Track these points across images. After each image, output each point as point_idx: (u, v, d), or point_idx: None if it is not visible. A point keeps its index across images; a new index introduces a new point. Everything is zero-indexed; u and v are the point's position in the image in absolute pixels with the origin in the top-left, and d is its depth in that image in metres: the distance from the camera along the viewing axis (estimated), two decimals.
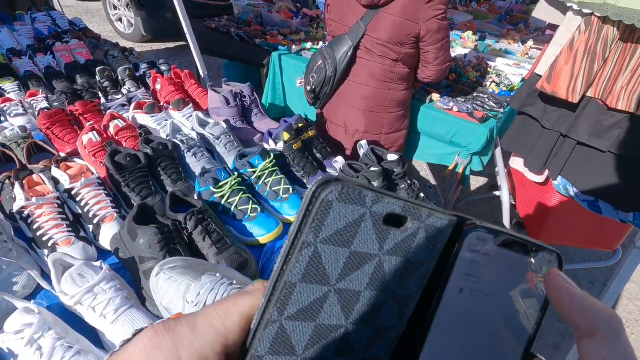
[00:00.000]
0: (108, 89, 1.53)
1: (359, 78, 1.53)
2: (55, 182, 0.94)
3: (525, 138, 1.43)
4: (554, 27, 1.33)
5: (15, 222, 0.88)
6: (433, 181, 2.59)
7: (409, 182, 1.08)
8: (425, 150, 1.80)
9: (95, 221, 0.89)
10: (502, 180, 1.62)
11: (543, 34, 2.57)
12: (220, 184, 0.96)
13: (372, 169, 1.02)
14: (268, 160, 1.04)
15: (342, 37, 1.49)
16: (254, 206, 0.96)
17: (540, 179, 1.46)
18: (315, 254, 0.18)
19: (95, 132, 1.10)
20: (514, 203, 1.72)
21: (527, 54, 2.19)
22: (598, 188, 1.26)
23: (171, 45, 4.40)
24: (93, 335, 0.68)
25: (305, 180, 1.15)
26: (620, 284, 1.31)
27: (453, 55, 2.07)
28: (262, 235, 0.94)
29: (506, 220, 1.64)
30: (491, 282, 0.21)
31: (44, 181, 0.92)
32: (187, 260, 0.74)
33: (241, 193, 0.97)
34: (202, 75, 1.85)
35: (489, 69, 2.00)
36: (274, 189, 1.03)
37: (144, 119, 1.29)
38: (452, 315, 0.20)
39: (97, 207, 0.90)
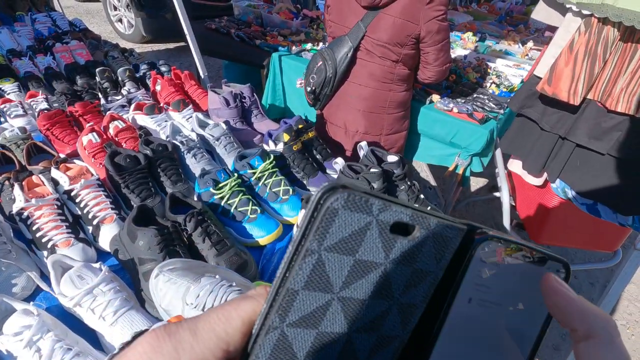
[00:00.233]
0: (108, 89, 1.53)
1: (358, 79, 1.53)
2: (55, 183, 0.94)
3: (523, 140, 1.43)
4: (552, 29, 1.32)
5: (14, 224, 0.88)
6: (433, 182, 2.59)
7: (408, 183, 1.08)
8: (425, 151, 1.80)
9: (94, 222, 0.89)
10: (502, 182, 1.62)
11: (543, 35, 2.57)
12: (220, 185, 0.96)
13: (372, 170, 1.02)
14: (268, 162, 1.04)
15: (342, 38, 1.49)
16: (253, 207, 0.96)
17: (538, 181, 1.45)
18: (319, 261, 0.17)
19: (95, 133, 1.10)
20: (514, 204, 1.72)
21: (527, 55, 2.19)
22: (597, 191, 1.26)
23: (171, 46, 4.41)
24: (92, 337, 0.68)
25: (305, 182, 1.15)
26: (621, 286, 1.31)
27: (453, 56, 2.07)
28: (262, 236, 0.94)
29: (506, 221, 1.64)
30: (499, 292, 0.20)
31: (43, 182, 0.92)
32: (187, 262, 0.74)
33: (241, 194, 0.97)
34: (202, 76, 1.85)
35: (489, 70, 2.00)
36: (273, 190, 1.03)
37: (143, 120, 1.29)
38: (459, 325, 0.20)
39: (97, 209, 0.90)
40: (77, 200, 0.91)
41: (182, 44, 4.12)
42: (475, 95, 1.74)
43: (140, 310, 0.71)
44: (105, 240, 0.87)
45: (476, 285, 0.20)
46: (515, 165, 1.54)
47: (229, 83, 1.51)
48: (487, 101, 1.68)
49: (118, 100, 1.42)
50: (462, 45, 2.30)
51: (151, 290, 0.71)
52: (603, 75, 1.14)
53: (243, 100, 1.40)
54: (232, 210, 0.95)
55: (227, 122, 1.29)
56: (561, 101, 1.20)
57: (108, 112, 1.25)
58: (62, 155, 1.08)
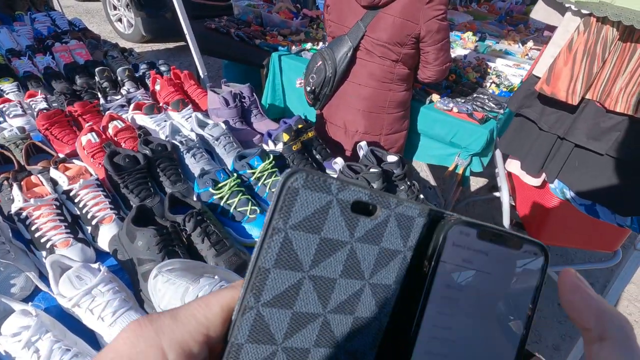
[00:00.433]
0: (107, 89, 1.52)
1: (358, 79, 1.53)
2: (54, 183, 0.94)
3: (522, 140, 1.42)
4: (551, 28, 1.32)
5: (13, 224, 0.87)
6: (433, 182, 2.59)
7: (408, 183, 1.08)
8: (425, 151, 1.80)
9: (93, 222, 0.88)
10: (502, 181, 1.62)
11: (542, 34, 2.57)
12: (220, 185, 0.96)
13: (371, 170, 1.02)
14: (267, 161, 1.04)
15: (341, 37, 1.49)
16: (253, 207, 0.96)
17: (536, 182, 1.45)
18: (286, 239, 0.18)
19: (94, 133, 1.10)
20: (513, 204, 1.72)
21: (527, 54, 2.19)
22: (595, 192, 1.26)
23: (171, 45, 4.40)
24: (91, 338, 0.68)
25: None
26: (621, 286, 1.31)
27: (453, 55, 2.07)
28: None
29: (506, 221, 1.63)
30: (480, 278, 0.20)
31: (42, 182, 0.92)
32: (186, 262, 0.74)
33: (240, 194, 0.97)
34: (202, 76, 1.85)
35: (488, 70, 2.00)
36: (273, 190, 1.03)
37: (143, 119, 1.29)
38: (443, 311, 0.20)
39: (96, 209, 0.90)
40: (76, 200, 0.91)
41: (182, 43, 4.12)
42: (475, 95, 1.73)
43: (139, 310, 0.71)
44: (104, 241, 0.87)
45: (456, 270, 0.20)
46: (513, 166, 1.53)
47: (228, 83, 1.51)
48: (487, 101, 1.68)
49: (117, 100, 1.42)
50: (462, 45, 2.30)
51: (150, 291, 0.71)
52: (602, 75, 1.14)
53: (242, 100, 1.40)
54: (231, 210, 0.95)
55: (226, 122, 1.29)
56: (560, 101, 1.20)
57: (107, 112, 1.25)
58: (61, 155, 1.08)
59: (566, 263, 2.12)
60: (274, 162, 1.06)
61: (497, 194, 1.71)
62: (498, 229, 0.20)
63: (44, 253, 0.82)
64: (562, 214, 1.42)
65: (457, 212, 0.22)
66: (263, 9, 2.59)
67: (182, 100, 1.38)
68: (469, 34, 2.38)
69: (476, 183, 2.67)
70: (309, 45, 2.11)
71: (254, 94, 1.43)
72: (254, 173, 1.03)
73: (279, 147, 1.18)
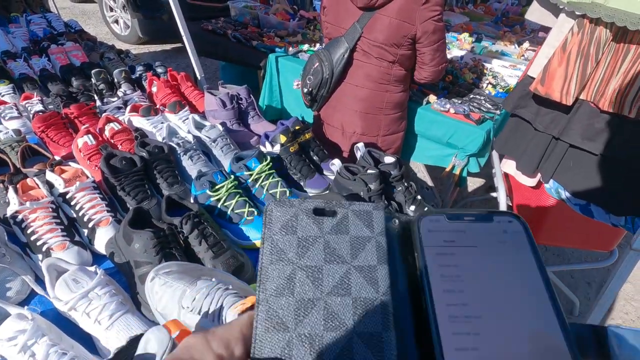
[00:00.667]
0: (103, 91, 1.52)
1: (355, 80, 1.54)
2: (50, 186, 0.94)
3: (517, 141, 1.43)
4: (546, 29, 1.33)
5: (9, 227, 0.87)
6: (430, 183, 2.60)
7: (405, 184, 1.08)
8: (422, 152, 1.80)
9: (90, 225, 0.88)
10: (499, 182, 1.62)
11: (538, 35, 2.58)
12: (217, 187, 0.96)
13: (369, 171, 1.02)
14: (265, 163, 1.04)
15: (338, 39, 1.50)
16: (250, 209, 0.96)
17: (531, 182, 1.46)
18: (273, 242, 0.25)
19: (90, 135, 1.09)
20: (510, 204, 1.72)
21: (523, 55, 2.20)
22: (589, 192, 1.26)
23: (168, 47, 4.39)
24: (88, 341, 0.67)
25: (302, 183, 1.15)
26: (617, 285, 1.32)
27: (449, 56, 2.08)
28: (259, 238, 0.93)
29: None
30: (469, 252, 0.23)
31: (38, 185, 0.91)
32: (183, 265, 0.74)
33: (237, 196, 0.97)
34: (199, 78, 1.85)
35: (485, 71, 2.01)
36: (270, 192, 1.03)
37: (139, 121, 1.28)
38: (450, 288, 0.22)
39: (92, 211, 0.89)
40: (73, 203, 0.90)
41: (179, 45, 4.11)
42: (471, 96, 1.74)
43: (136, 313, 0.71)
44: (100, 243, 0.86)
45: (441, 252, 0.23)
46: (509, 166, 1.54)
47: (225, 84, 1.51)
48: (483, 102, 1.68)
49: (114, 102, 1.41)
50: (459, 46, 2.31)
51: (147, 294, 0.71)
52: (596, 75, 1.15)
53: (240, 101, 1.40)
54: (228, 213, 0.95)
55: (223, 124, 1.29)
56: (554, 101, 1.21)
57: (104, 114, 1.25)
58: (57, 158, 1.08)
59: (563, 263, 2.13)
60: (271, 163, 1.06)
61: (494, 194, 1.72)
62: (462, 211, 0.24)
63: (40, 256, 0.82)
64: (558, 214, 1.43)
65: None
66: (260, 10, 2.59)
67: (179, 102, 1.37)
68: (465, 35, 2.39)
69: (473, 183, 2.68)
70: (305, 47, 2.12)
71: (251, 95, 1.43)
72: (251, 175, 1.03)
73: (277, 148, 1.17)
